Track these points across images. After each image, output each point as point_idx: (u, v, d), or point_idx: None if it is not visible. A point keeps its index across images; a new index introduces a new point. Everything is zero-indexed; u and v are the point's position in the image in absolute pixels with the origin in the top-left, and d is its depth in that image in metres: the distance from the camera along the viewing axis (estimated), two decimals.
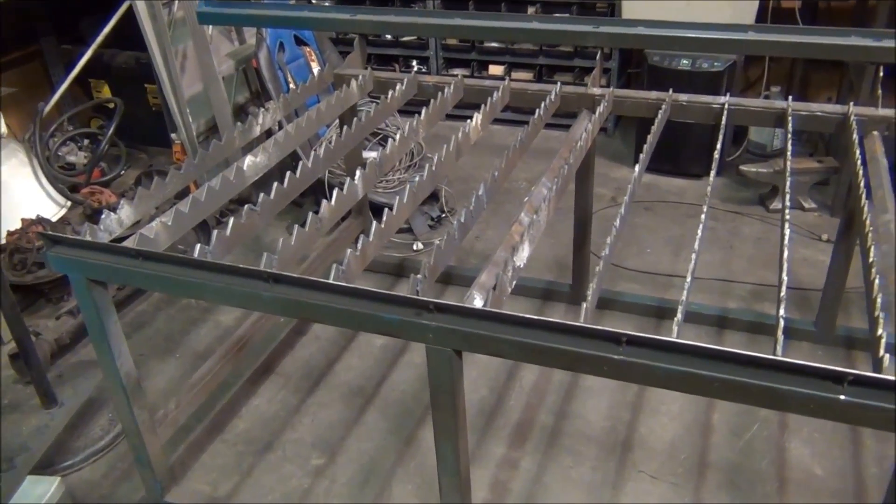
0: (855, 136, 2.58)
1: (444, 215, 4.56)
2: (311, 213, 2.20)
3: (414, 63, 5.89)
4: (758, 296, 3.75)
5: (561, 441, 2.95)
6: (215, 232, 2.14)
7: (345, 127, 2.80)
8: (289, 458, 2.94)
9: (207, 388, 2.92)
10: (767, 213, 4.51)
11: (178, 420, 2.78)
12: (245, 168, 2.57)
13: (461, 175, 4.94)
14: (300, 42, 4.69)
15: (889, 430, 1.53)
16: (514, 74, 5.64)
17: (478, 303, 1.95)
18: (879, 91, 2.81)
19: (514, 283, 2.07)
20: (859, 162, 2.43)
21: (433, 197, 4.67)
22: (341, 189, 2.35)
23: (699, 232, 2.09)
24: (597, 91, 3.05)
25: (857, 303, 3.53)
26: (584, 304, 1.79)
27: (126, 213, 2.35)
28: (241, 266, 1.94)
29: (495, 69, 5.71)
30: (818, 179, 4.53)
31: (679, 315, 1.75)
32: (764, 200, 4.59)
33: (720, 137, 2.65)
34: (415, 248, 4.26)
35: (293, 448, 2.99)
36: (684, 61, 4.66)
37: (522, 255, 2.09)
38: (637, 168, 2.45)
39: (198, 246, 2.07)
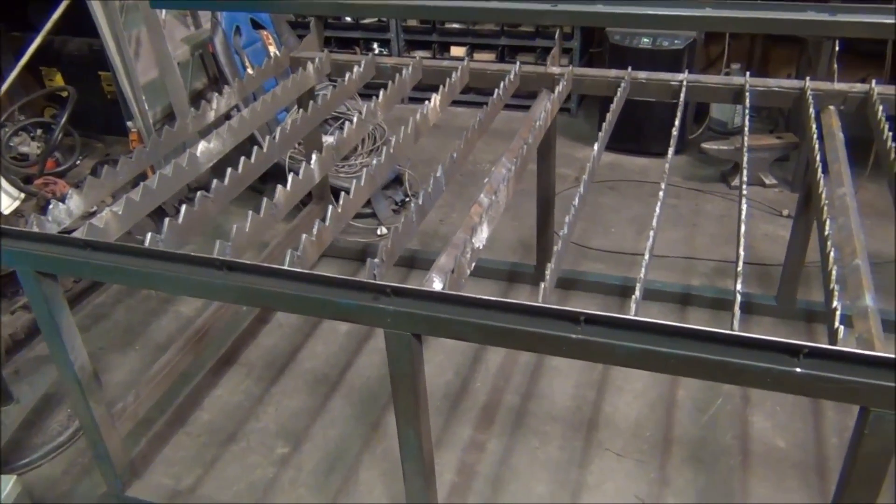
0: (811, 110, 2.59)
1: (408, 199, 4.52)
2: (265, 199, 2.15)
3: (375, 46, 5.82)
4: (720, 272, 3.77)
5: (527, 422, 2.95)
6: (167, 220, 2.08)
7: (301, 110, 2.74)
8: (253, 448, 2.91)
9: (167, 379, 2.87)
10: (729, 189, 4.54)
11: (138, 413, 2.72)
12: (199, 154, 2.51)
13: (425, 158, 4.90)
14: (257, 26, 4.60)
15: (845, 401, 1.55)
16: (477, 56, 5.61)
17: (437, 286, 1.93)
18: (835, 66, 2.83)
19: (474, 264, 2.05)
20: (815, 136, 2.44)
21: (397, 181, 4.64)
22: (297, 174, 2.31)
23: (657, 210, 2.08)
24: (556, 70, 3.03)
25: (818, 276, 3.57)
26: (543, 285, 1.77)
27: (75, 203, 2.28)
28: (192, 254, 1.89)
29: (457, 51, 5.66)
30: (778, 155, 4.57)
31: (637, 293, 1.74)
32: (726, 177, 4.62)
33: (678, 115, 2.64)
34: (379, 232, 4.22)
35: (257, 438, 2.95)
36: (645, 40, 4.66)
37: (481, 237, 2.07)
38: (596, 146, 2.43)
39: (149, 235, 2.01)
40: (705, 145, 4.52)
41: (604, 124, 2.58)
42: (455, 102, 5.35)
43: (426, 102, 2.74)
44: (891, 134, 2.36)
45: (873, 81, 2.70)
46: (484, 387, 3.14)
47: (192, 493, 2.74)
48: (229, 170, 2.33)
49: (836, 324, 1.60)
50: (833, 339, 1.59)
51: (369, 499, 2.68)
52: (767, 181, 4.53)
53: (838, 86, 2.76)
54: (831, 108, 2.74)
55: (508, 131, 2.69)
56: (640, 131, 4.86)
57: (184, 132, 2.74)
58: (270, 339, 3.49)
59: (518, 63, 3.07)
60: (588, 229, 4.21)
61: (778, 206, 4.34)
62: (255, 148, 2.45)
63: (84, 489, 2.78)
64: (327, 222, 2.07)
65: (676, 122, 2.57)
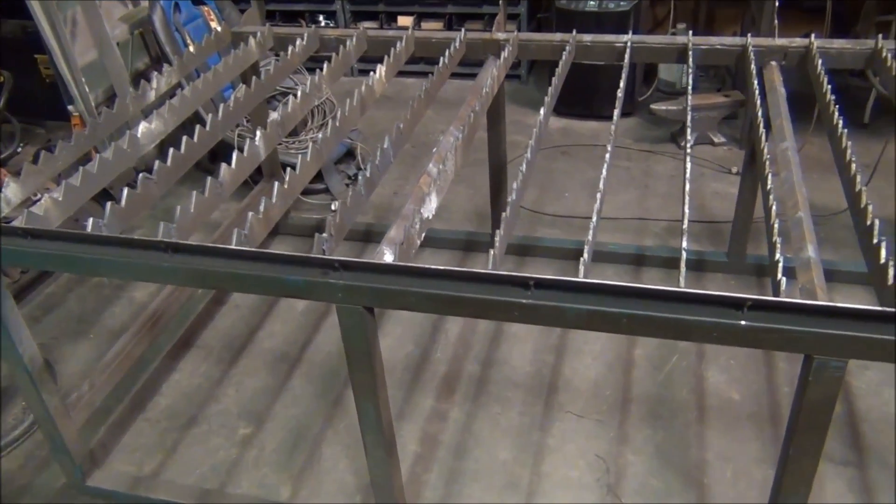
0: (753, 66, 2.61)
1: (360, 173, 4.48)
2: (209, 179, 2.11)
3: (320, 18, 5.72)
4: (673, 231, 3.82)
5: (488, 389, 2.97)
6: (108, 204, 2.03)
7: (244, 86, 2.69)
8: (215, 431, 2.89)
9: (123, 366, 2.83)
10: (679, 149, 4.59)
11: (94, 402, 2.68)
12: (140, 136, 2.45)
13: (377, 130, 4.86)
14: (197, 1, 4.48)
15: (789, 350, 1.58)
16: (424, 25, 5.55)
17: (388, 258, 1.91)
18: (776, 21, 2.86)
19: (425, 235, 2.04)
20: (757, 92, 2.47)
21: (349, 155, 4.60)
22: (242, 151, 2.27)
23: (604, 173, 2.09)
24: (501, 36, 3.01)
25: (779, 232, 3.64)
26: (492, 252, 1.77)
27: (13, 191, 2.22)
28: (136, 238, 1.85)
29: (404, 20, 5.60)
30: (726, 114, 4.62)
31: (585, 255, 1.75)
32: (675, 138, 4.67)
33: (623, 76, 2.65)
34: (333, 208, 4.18)
35: (219, 420, 2.93)
36: (591, 2, 4.66)
37: (430, 207, 2.06)
38: (542, 111, 2.43)
39: (90, 220, 1.96)
40: (654, 106, 4.55)
41: (550, 88, 2.57)
42: (405, 73, 5.36)
43: (371, 74, 2.70)
44: (830, 87, 2.40)
45: (812, 35, 2.74)
46: (444, 357, 3.15)
47: (154, 478, 2.71)
48: (171, 150, 2.28)
49: (779, 276, 1.63)
50: (776, 290, 1.62)
51: (334, 474, 2.68)
52: (716, 139, 4.58)
53: (779, 41, 2.79)
54: (773, 63, 2.77)
55: (461, 100, 2.67)
56: (590, 95, 4.87)
57: (124, 113, 2.66)
58: (227, 321, 3.45)
59: (463, 30, 3.05)
60: (542, 195, 4.22)
61: (727, 163, 4.39)
62: (198, 127, 2.40)
63: (43, 482, 2.74)
64: (274, 199, 2.04)
65: (622, 84, 2.57)
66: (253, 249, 1.77)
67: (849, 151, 2.05)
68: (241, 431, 2.87)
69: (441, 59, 2.78)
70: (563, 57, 2.81)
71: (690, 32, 2.88)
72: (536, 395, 2.93)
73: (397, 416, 2.86)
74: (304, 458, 2.74)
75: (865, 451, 2.60)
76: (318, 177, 4.36)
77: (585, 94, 4.85)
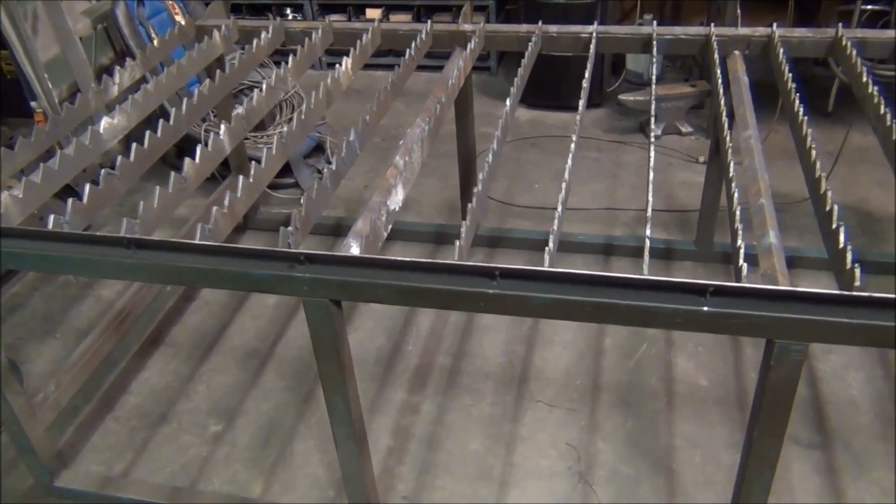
0: (716, 56, 2.63)
1: (326, 166, 4.46)
2: (172, 174, 2.08)
3: (288, 11, 5.68)
4: (642, 221, 3.85)
5: (460, 381, 2.98)
6: (70, 201, 2.00)
7: (208, 80, 2.66)
8: (185, 429, 2.86)
9: (90, 365, 2.80)
10: (648, 140, 4.62)
11: (61, 402, 2.65)
12: (102, 131, 2.42)
13: (347, 124, 4.80)
14: None
15: (751, 335, 1.61)
16: (393, 17, 5.53)
17: (354, 250, 1.91)
18: (738, 11, 2.88)
19: (392, 227, 2.04)
20: (720, 81, 2.49)
21: (319, 149, 4.57)
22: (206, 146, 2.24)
23: (569, 163, 2.10)
24: (468, 27, 3.01)
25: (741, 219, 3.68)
26: (458, 243, 1.77)
27: None
28: (98, 234, 1.83)
29: (372, 13, 5.57)
30: (693, 103, 4.66)
31: (550, 245, 1.76)
32: (644, 128, 4.70)
33: (589, 67, 2.66)
34: (302, 202, 4.15)
35: (189, 417, 2.91)
36: None
37: (397, 199, 2.06)
38: (509, 102, 2.43)
39: (51, 217, 1.93)
40: (622, 97, 4.57)
41: (516, 79, 2.58)
42: (375, 66, 5.34)
43: (337, 66, 2.69)
44: (791, 75, 2.43)
45: (774, 25, 2.77)
46: (416, 349, 3.15)
47: (124, 478, 2.69)
48: (134, 145, 2.25)
49: (741, 262, 1.65)
50: (738, 276, 1.64)
51: (306, 469, 2.68)
52: (684, 129, 4.62)
53: (742, 31, 2.82)
54: (736, 53, 2.80)
55: (430, 93, 2.67)
56: (559, 86, 4.89)
57: (86, 109, 2.62)
58: (197, 317, 3.42)
59: (430, 22, 3.04)
60: (512, 187, 4.24)
61: (694, 153, 4.43)
62: (161, 121, 2.37)
63: (10, 484, 2.70)
64: (239, 193, 2.02)
65: (587, 75, 2.59)
66: (217, 244, 1.76)
67: (809, 139, 2.08)
68: (211, 428, 2.85)
69: (407, 51, 2.78)
70: (530, 48, 2.82)
71: (655, 23, 2.90)
72: (508, 385, 2.94)
73: (369, 410, 2.86)
74: (276, 454, 2.73)
75: (830, 434, 2.65)
76: (288, 171, 4.34)
77: (554, 86, 4.87)
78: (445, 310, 3.23)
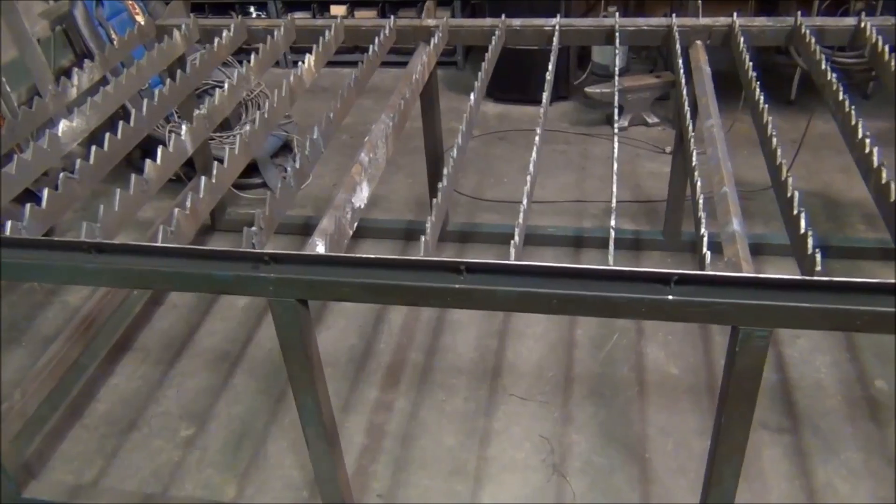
0: (678, 46, 2.65)
1: (290, 164, 4.43)
2: (133, 175, 2.05)
3: (252, 10, 5.62)
4: (610, 212, 3.85)
5: (433, 377, 2.97)
6: (28, 206, 1.96)
7: (169, 80, 2.63)
8: (156, 434, 2.83)
9: (56, 373, 2.75)
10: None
11: (26, 411, 2.60)
12: (61, 134, 2.37)
13: (314, 122, 4.78)
14: None
15: (716, 323, 1.62)
16: (358, 14, 5.50)
17: (320, 249, 1.89)
18: (700, 1, 2.90)
19: (358, 224, 2.03)
20: (682, 71, 2.50)
21: (286, 148, 4.54)
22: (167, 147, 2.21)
23: (533, 156, 2.10)
24: (431, 22, 3.00)
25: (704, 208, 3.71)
26: (424, 238, 1.76)
27: None
28: (57, 239, 1.80)
29: (337, 10, 5.53)
30: (659, 94, 4.70)
31: (516, 238, 1.76)
32: (611, 120, 4.71)
33: (552, 59, 2.66)
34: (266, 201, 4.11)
35: (159, 422, 2.87)
36: None
37: (362, 196, 2.05)
38: (473, 96, 2.43)
39: (9, 223, 1.89)
40: (588, 90, 4.59)
41: (480, 73, 2.57)
42: (342, 63, 5.30)
43: (300, 64, 2.67)
44: (752, 64, 2.45)
45: (734, 14, 2.79)
46: (388, 347, 3.14)
47: (94, 486, 2.65)
48: (94, 147, 2.21)
49: (704, 250, 1.66)
50: (701, 264, 1.65)
51: (279, 470, 2.66)
52: (650, 120, 4.65)
53: (703, 21, 2.84)
54: (698, 43, 2.82)
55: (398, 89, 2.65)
56: (526, 80, 4.89)
57: (44, 112, 2.57)
58: (165, 321, 3.38)
59: (393, 17, 3.03)
60: (481, 181, 4.24)
61: (661, 143, 4.47)
62: (121, 123, 2.33)
63: None
64: (201, 194, 2.00)
65: (550, 67, 2.59)
66: (179, 246, 1.73)
67: (770, 127, 2.10)
68: (182, 433, 2.82)
69: (370, 47, 2.76)
70: (493, 42, 2.81)
71: (617, 14, 2.91)
72: (481, 380, 2.94)
73: (342, 409, 2.85)
74: (249, 456, 2.71)
75: (799, 418, 2.69)
76: (255, 171, 4.30)
77: (522, 80, 4.87)
78: (413, 306, 3.23)
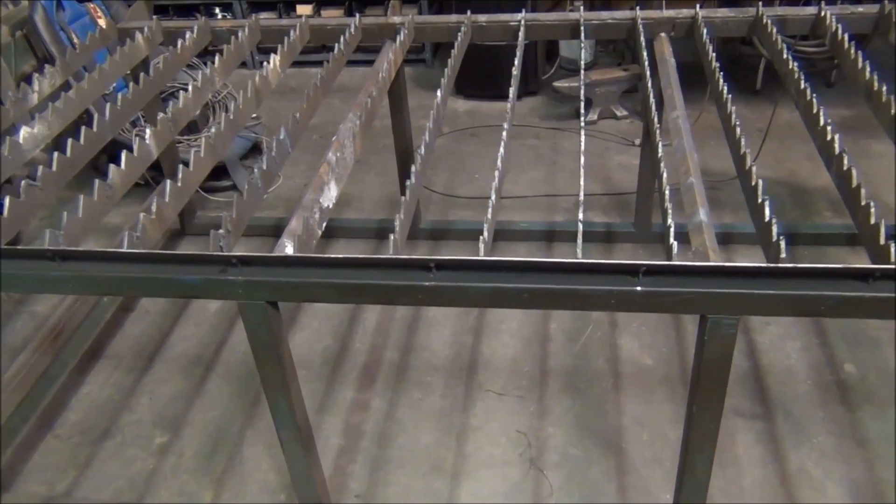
0: (642, 38, 2.67)
1: (257, 165, 4.40)
2: (96, 181, 2.02)
3: (217, 11, 5.57)
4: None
5: (409, 375, 2.97)
6: None
7: (132, 84, 2.59)
8: (129, 442, 2.80)
9: (26, 383, 2.71)
10: (584, 125, 4.66)
11: None
12: (22, 141, 2.33)
13: (283, 123, 4.76)
14: None
15: (684, 312, 1.63)
16: (325, 13, 5.47)
17: (289, 250, 1.88)
18: None
19: (328, 224, 2.02)
20: (647, 63, 2.52)
21: (256, 149, 4.50)
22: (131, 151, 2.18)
23: (501, 151, 2.10)
24: (396, 19, 2.99)
25: (672, 199, 3.74)
26: (392, 236, 1.76)
27: None
28: (20, 248, 1.77)
29: (303, 9, 5.49)
30: (627, 87, 4.72)
31: (485, 234, 1.76)
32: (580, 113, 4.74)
33: (518, 54, 2.67)
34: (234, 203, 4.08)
35: (133, 430, 2.84)
36: None
37: (330, 195, 2.03)
38: (439, 92, 2.42)
39: None
40: (557, 84, 4.61)
41: (446, 70, 2.57)
42: (311, 63, 5.27)
43: (265, 64, 2.65)
44: (715, 55, 2.47)
45: (698, 6, 2.82)
46: (363, 347, 3.13)
47: (67, 496, 2.61)
48: (56, 153, 2.17)
49: (671, 240, 1.68)
50: (669, 255, 1.66)
51: (256, 474, 2.64)
52: (619, 113, 4.68)
53: (667, 13, 2.86)
54: (662, 35, 2.84)
55: None
56: (495, 76, 4.89)
57: (5, 118, 2.53)
58: (137, 328, 3.34)
59: (358, 16, 3.01)
60: (453, 178, 4.24)
61: (630, 136, 4.50)
62: (83, 128, 2.30)
63: None
64: (167, 198, 1.98)
65: (516, 62, 2.59)
66: (145, 251, 1.71)
67: (733, 116, 2.12)
68: (157, 440, 2.79)
69: (336, 45, 2.74)
70: (459, 38, 2.81)
71: (582, 8, 2.92)
72: (457, 376, 2.94)
73: (318, 410, 2.84)
74: (225, 461, 2.69)
75: (771, 404, 2.72)
76: (225, 174, 4.26)
77: (491, 76, 4.87)
78: (384, 305, 3.22)
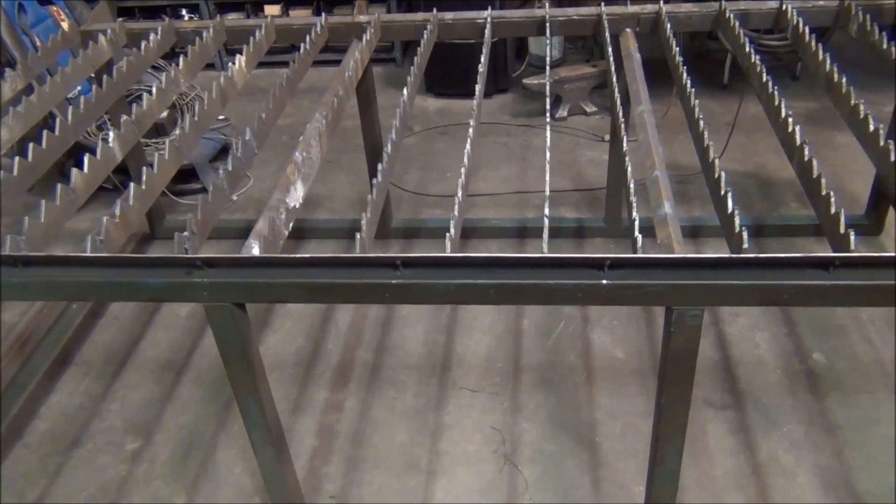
0: (607, 34, 2.68)
1: (222, 167, 4.37)
2: (59, 185, 1.99)
3: (184, 12, 5.52)
4: (553, 201, 3.88)
5: (382, 375, 2.96)
6: None
7: (95, 87, 2.56)
8: (101, 449, 2.76)
9: None
10: (554, 121, 4.69)
11: None
12: None
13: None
14: (44, 1, 4.23)
15: (650, 304, 1.65)
16: (293, 13, 5.44)
17: (255, 251, 1.87)
18: None
19: (292, 224, 2.01)
20: (612, 59, 2.54)
21: (225, 151, 4.46)
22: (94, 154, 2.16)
23: (467, 148, 2.11)
24: (363, 18, 2.99)
25: (640, 193, 3.77)
26: (359, 235, 1.75)
27: None
28: None
29: (271, 9, 5.47)
30: (596, 83, 4.75)
31: (452, 231, 1.76)
32: (549, 110, 4.75)
33: (484, 51, 2.67)
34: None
35: (104, 437, 2.81)
36: None
37: (297, 195, 2.03)
38: (405, 90, 2.42)
39: None
40: (526, 81, 4.63)
41: (412, 68, 2.57)
42: (280, 64, 5.24)
43: (230, 65, 2.63)
44: (678, 49, 2.49)
45: (661, 1, 2.84)
46: (336, 347, 3.12)
47: None
48: (17, 158, 2.14)
49: (636, 233, 1.69)
50: (634, 248, 1.68)
51: (230, 478, 2.62)
52: (588, 109, 4.71)
53: (632, 8, 2.88)
54: (627, 30, 2.86)
55: None
56: (466, 75, 4.86)
57: None
58: (107, 333, 3.30)
59: (324, 15, 3.00)
60: (424, 177, 4.23)
61: (600, 132, 4.52)
62: (45, 132, 2.27)
63: None
64: (131, 201, 1.95)
65: (483, 59, 2.60)
66: (108, 255, 1.69)
67: (697, 110, 2.14)
68: (129, 447, 2.76)
69: (302, 45, 2.73)
70: (426, 36, 2.81)
71: (548, 4, 2.94)
72: (430, 375, 2.94)
73: (292, 412, 2.82)
74: (198, 466, 2.66)
75: (741, 394, 2.75)
76: (195, 177, 4.23)
77: (461, 74, 4.86)
78: (352, 304, 3.21)
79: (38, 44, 3.70)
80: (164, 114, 4.10)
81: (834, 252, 1.67)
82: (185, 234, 1.79)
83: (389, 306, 3.26)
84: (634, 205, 1.79)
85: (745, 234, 1.61)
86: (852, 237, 1.61)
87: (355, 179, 4.15)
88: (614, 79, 2.40)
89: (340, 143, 4.46)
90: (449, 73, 4.85)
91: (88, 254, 1.72)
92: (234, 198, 4.18)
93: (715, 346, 2.94)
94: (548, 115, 2.28)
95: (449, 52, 4.45)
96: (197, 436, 2.77)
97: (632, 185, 1.86)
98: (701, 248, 3.41)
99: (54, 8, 4.25)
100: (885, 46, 2.45)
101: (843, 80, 2.25)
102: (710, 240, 3.44)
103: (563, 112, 4.69)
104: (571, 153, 4.36)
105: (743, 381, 2.80)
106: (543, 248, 1.69)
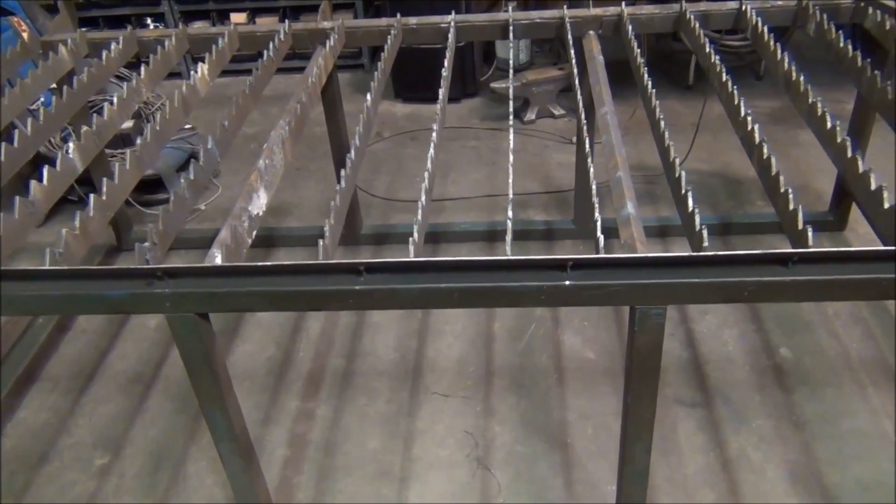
0: (569, 36, 2.70)
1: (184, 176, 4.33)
2: (17, 198, 1.96)
3: (148, 21, 5.47)
4: (522, 205, 3.92)
5: (354, 382, 2.95)
6: None
7: (55, 97, 2.53)
8: (68, 465, 2.72)
9: None
10: (523, 125, 4.70)
11: None
12: None
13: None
14: (4, 12, 4.17)
15: (614, 304, 1.66)
16: (259, 20, 5.41)
17: (219, 260, 1.85)
18: None
19: (255, 232, 2.00)
20: (575, 62, 2.55)
21: (193, 160, 4.42)
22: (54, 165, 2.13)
23: (430, 152, 2.10)
24: (327, 24, 2.98)
25: (608, 194, 3.79)
26: (321, 242, 1.75)
27: None
28: None
29: (237, 17, 5.44)
30: (563, 86, 4.78)
31: (415, 235, 1.76)
32: (518, 114, 4.78)
33: (448, 55, 2.68)
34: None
35: (72, 453, 2.76)
36: None
37: (259, 203, 2.01)
38: (369, 96, 2.42)
39: None
40: (494, 85, 4.64)
41: (376, 73, 2.57)
42: (249, 72, 5.20)
43: (192, 73, 2.61)
44: (640, 51, 2.51)
45: (623, 4, 2.86)
46: (307, 355, 3.10)
47: None
48: None
49: (598, 234, 1.70)
50: (597, 248, 1.69)
51: (201, 490, 2.59)
52: (556, 112, 4.73)
53: (594, 11, 2.90)
54: (591, 33, 2.88)
55: None
56: (433, 80, 4.83)
57: None
58: (74, 348, 3.25)
59: (287, 21, 2.99)
60: (394, 182, 4.23)
61: (568, 134, 4.55)
62: (3, 144, 2.23)
63: None
64: (91, 212, 1.93)
65: (446, 63, 2.61)
66: (67, 268, 1.67)
67: (657, 111, 2.16)
68: (97, 462, 2.72)
69: (265, 52, 2.72)
70: (389, 41, 2.81)
71: (511, 8, 2.95)
72: (402, 380, 2.93)
73: (263, 422, 2.80)
74: (168, 479, 2.63)
75: (710, 391, 2.77)
76: (162, 187, 4.18)
77: (429, 79, 4.83)
78: (316, 311, 3.19)
79: None
80: (130, 123, 4.06)
81: (793, 248, 1.69)
82: (146, 244, 1.76)
83: (360, 313, 3.25)
84: (596, 206, 1.80)
85: (705, 233, 1.62)
86: (810, 233, 1.63)
87: (325, 186, 4.14)
88: (577, 82, 2.42)
89: (309, 150, 4.44)
90: (417, 78, 4.86)
91: (47, 267, 1.69)
92: (203, 207, 4.15)
93: (684, 344, 2.97)
94: (511, 118, 2.29)
95: (416, 58, 4.46)
96: (167, 449, 2.74)
97: (594, 187, 1.87)
98: (669, 248, 3.43)
99: (15, 18, 4.19)
100: (841, 45, 2.49)
101: (801, 78, 2.28)
102: (677, 239, 3.47)
103: (531, 115, 4.71)
104: (540, 156, 4.38)
105: (712, 379, 2.82)
106: (507, 251, 1.69)
